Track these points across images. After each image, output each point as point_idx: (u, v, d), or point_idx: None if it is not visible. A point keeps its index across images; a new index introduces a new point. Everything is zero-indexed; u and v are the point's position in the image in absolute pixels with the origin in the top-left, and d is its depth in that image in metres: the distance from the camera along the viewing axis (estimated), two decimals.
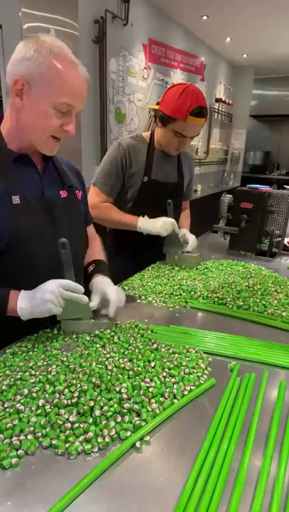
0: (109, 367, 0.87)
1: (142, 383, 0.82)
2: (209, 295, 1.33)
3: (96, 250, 1.29)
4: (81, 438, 0.69)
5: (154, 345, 0.99)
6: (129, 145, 1.62)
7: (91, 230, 1.33)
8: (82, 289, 0.99)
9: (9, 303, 0.93)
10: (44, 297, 0.92)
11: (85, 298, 1.00)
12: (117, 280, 1.49)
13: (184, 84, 1.48)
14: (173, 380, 0.85)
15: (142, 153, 1.63)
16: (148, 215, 1.58)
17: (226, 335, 1.09)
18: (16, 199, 0.95)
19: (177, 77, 4.60)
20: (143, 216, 1.58)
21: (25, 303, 0.92)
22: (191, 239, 1.66)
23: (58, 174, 1.09)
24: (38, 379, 0.82)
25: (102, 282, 1.11)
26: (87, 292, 1.05)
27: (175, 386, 0.83)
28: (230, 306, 1.27)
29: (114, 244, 1.79)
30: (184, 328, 1.12)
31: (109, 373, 0.85)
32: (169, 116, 1.48)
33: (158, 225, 1.53)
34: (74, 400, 0.75)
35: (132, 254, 1.71)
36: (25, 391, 0.78)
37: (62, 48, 0.90)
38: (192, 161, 1.84)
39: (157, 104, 1.57)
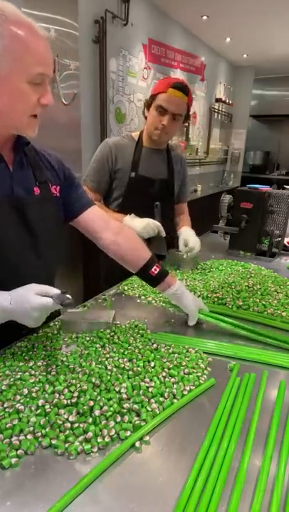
0: (109, 367, 0.87)
1: (142, 383, 0.82)
2: (209, 295, 1.33)
3: (138, 240, 1.20)
4: (81, 438, 0.69)
5: (154, 345, 0.99)
6: (115, 142, 1.64)
7: (97, 211, 1.17)
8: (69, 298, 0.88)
9: None
10: (31, 315, 0.82)
11: (58, 306, 0.86)
12: (116, 280, 1.50)
13: None
14: (173, 380, 0.85)
15: (129, 151, 1.64)
16: (137, 214, 1.54)
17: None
18: None
19: (177, 77, 4.60)
20: (130, 214, 1.55)
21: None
22: (193, 243, 1.60)
23: (30, 169, 0.99)
24: (37, 379, 0.82)
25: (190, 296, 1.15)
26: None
27: (175, 386, 0.83)
28: (230, 306, 1.27)
29: None
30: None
31: (109, 373, 0.85)
32: (153, 94, 1.55)
33: (141, 226, 1.48)
34: (74, 400, 0.75)
35: None
36: (25, 391, 0.78)
37: (16, 12, 0.77)
38: (184, 161, 1.83)
39: None
